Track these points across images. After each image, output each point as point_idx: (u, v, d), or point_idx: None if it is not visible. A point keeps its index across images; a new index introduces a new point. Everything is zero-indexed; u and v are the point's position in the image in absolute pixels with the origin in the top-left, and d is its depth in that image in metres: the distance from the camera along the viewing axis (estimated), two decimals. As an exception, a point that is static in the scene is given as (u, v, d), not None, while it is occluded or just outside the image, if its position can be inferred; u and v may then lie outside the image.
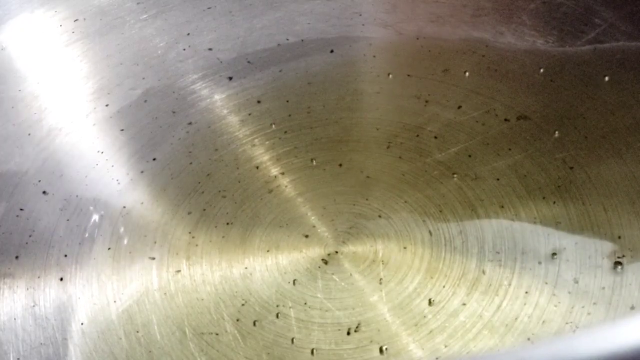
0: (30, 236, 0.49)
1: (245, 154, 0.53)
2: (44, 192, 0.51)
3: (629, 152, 0.49)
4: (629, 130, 0.49)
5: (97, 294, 0.47)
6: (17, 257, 0.49)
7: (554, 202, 0.47)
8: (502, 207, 0.47)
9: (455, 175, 0.49)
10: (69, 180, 0.52)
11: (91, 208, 0.51)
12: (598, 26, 0.54)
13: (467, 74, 0.54)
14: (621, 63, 0.53)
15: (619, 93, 0.51)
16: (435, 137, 0.52)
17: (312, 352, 0.43)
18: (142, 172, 0.52)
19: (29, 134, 0.55)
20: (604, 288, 0.43)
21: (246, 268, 0.47)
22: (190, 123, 0.54)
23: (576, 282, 0.44)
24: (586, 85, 0.52)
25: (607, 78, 0.52)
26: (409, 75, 0.55)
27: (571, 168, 0.48)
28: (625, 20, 0.54)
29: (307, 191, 0.50)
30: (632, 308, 0.41)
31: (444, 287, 0.44)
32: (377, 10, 0.58)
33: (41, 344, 0.45)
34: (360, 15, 0.57)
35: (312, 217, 0.49)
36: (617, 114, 0.50)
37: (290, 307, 0.45)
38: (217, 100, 0.55)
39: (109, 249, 0.49)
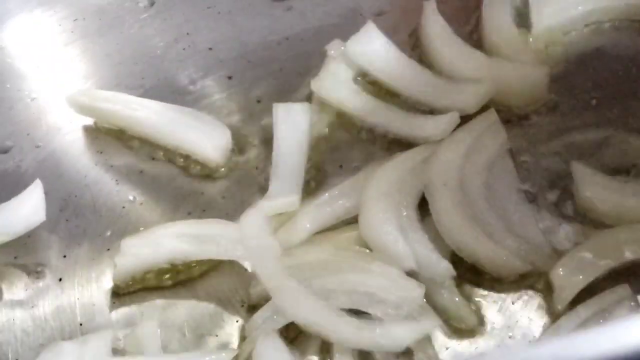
0: (29, 236, 0.49)
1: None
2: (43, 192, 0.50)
3: (629, 153, 0.48)
4: (629, 130, 0.49)
5: (96, 294, 0.47)
6: (15, 257, 0.49)
7: (554, 202, 0.47)
8: (502, 207, 0.47)
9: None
10: (69, 180, 0.52)
11: (91, 208, 0.51)
12: (600, 30, 0.54)
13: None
14: (622, 64, 0.53)
15: (619, 93, 0.51)
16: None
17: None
18: (142, 172, 0.52)
19: (28, 134, 0.55)
20: (605, 286, 0.42)
21: (246, 270, 0.47)
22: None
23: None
24: (586, 85, 0.52)
25: (606, 77, 0.52)
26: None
27: (570, 167, 0.48)
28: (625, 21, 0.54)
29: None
30: (633, 307, 0.41)
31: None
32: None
33: (40, 344, 0.45)
34: (361, 15, 0.57)
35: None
36: (617, 114, 0.50)
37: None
38: (217, 100, 0.55)
39: (108, 249, 0.49)
